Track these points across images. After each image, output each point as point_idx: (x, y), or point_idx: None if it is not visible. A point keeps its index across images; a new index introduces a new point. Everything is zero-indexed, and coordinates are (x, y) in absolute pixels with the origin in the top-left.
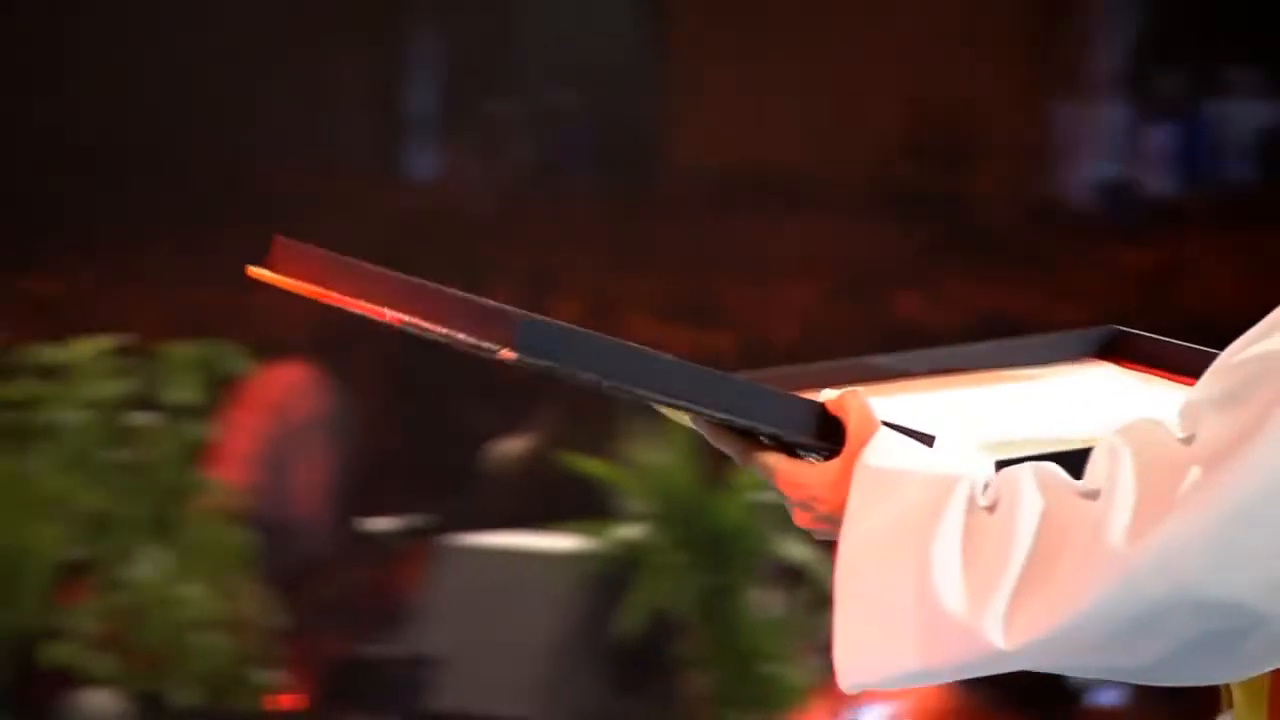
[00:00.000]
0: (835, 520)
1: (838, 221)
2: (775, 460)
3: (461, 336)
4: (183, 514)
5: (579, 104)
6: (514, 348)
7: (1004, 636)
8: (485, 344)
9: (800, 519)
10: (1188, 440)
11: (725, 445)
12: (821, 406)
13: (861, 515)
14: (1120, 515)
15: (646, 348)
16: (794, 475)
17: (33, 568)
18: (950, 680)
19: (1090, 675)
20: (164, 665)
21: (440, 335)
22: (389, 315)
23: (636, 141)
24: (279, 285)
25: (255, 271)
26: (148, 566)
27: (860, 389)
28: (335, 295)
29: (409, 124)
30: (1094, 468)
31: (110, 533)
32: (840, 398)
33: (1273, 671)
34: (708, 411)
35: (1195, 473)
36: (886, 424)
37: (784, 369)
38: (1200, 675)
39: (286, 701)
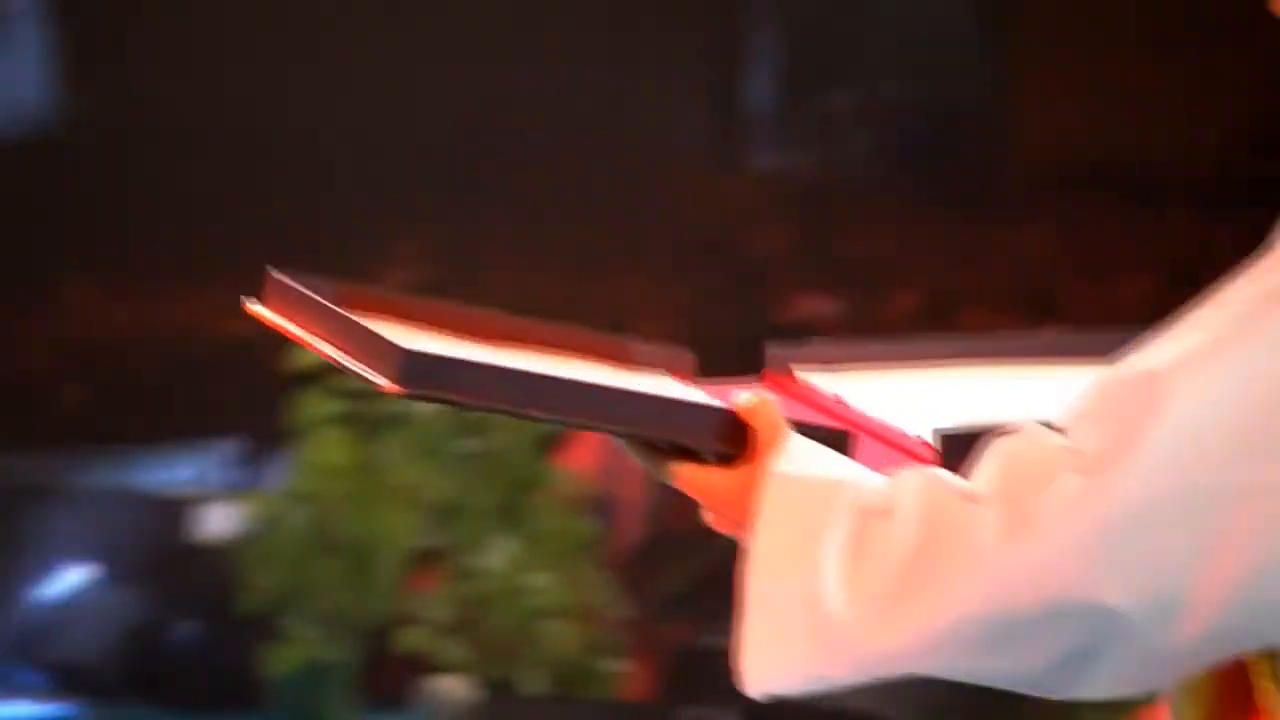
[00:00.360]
0: (746, 527)
1: (1179, 215)
2: (684, 468)
3: (356, 366)
4: (531, 503)
5: (918, 96)
6: (395, 379)
7: (885, 640)
8: (373, 375)
9: (716, 525)
10: (1071, 450)
11: (636, 456)
12: (730, 413)
13: (766, 523)
14: (996, 521)
15: (539, 370)
16: (704, 483)
17: (385, 556)
18: (851, 686)
19: (983, 682)
20: (512, 653)
21: (346, 365)
22: (313, 345)
23: (977, 133)
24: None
25: (253, 309)
26: (497, 555)
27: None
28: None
29: (747, 116)
30: (978, 471)
31: (460, 522)
32: (750, 405)
33: (1211, 677)
34: (607, 428)
35: (1074, 482)
36: (800, 426)
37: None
38: (1084, 687)
39: (632, 691)
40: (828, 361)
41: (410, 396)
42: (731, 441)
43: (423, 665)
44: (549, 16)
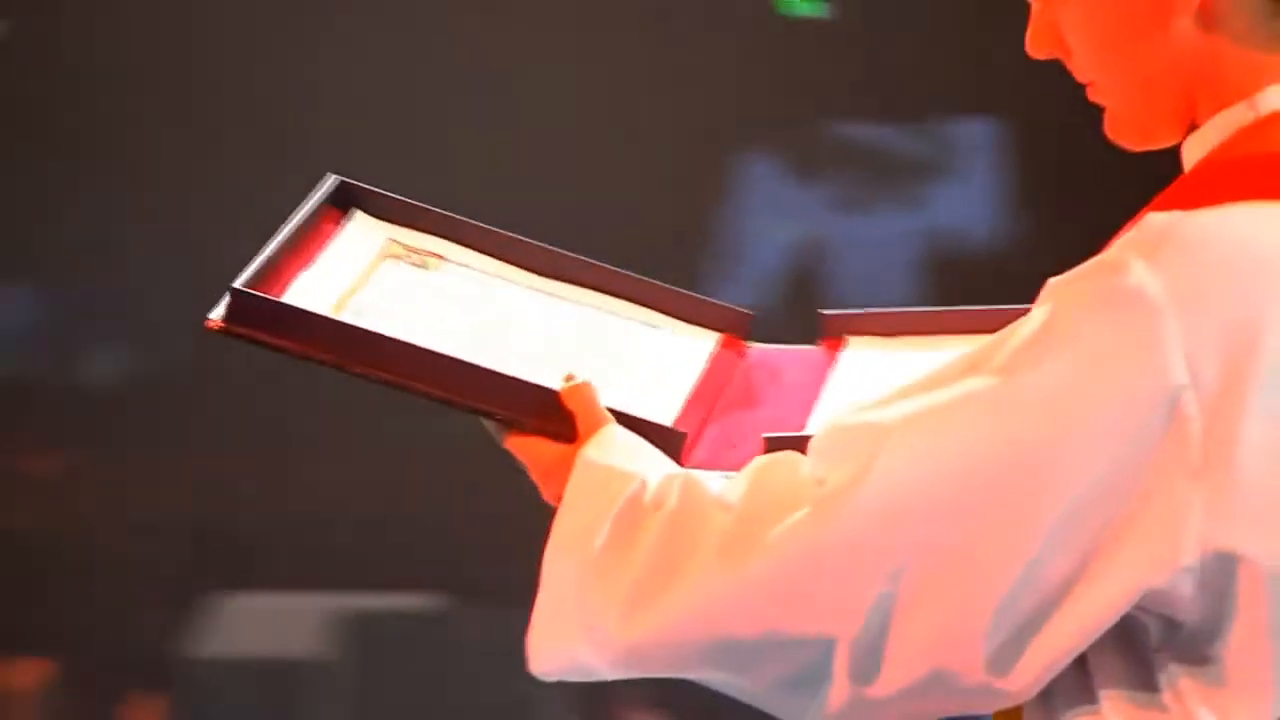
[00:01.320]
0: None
1: None
2: (514, 436)
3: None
4: None
5: None
6: (222, 316)
7: (629, 635)
8: (210, 315)
9: (543, 494)
10: (817, 482)
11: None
12: (551, 393)
13: (566, 507)
14: (726, 535)
15: (378, 330)
16: (529, 452)
17: None
18: (612, 677)
19: (726, 691)
20: None
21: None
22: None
23: None
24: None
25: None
26: None
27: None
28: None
29: None
30: (736, 480)
31: None
32: (571, 388)
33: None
34: (434, 394)
35: (801, 513)
36: (618, 414)
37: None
38: (814, 717)
39: None
40: (884, 331)
41: (231, 334)
42: (551, 420)
43: None
44: None
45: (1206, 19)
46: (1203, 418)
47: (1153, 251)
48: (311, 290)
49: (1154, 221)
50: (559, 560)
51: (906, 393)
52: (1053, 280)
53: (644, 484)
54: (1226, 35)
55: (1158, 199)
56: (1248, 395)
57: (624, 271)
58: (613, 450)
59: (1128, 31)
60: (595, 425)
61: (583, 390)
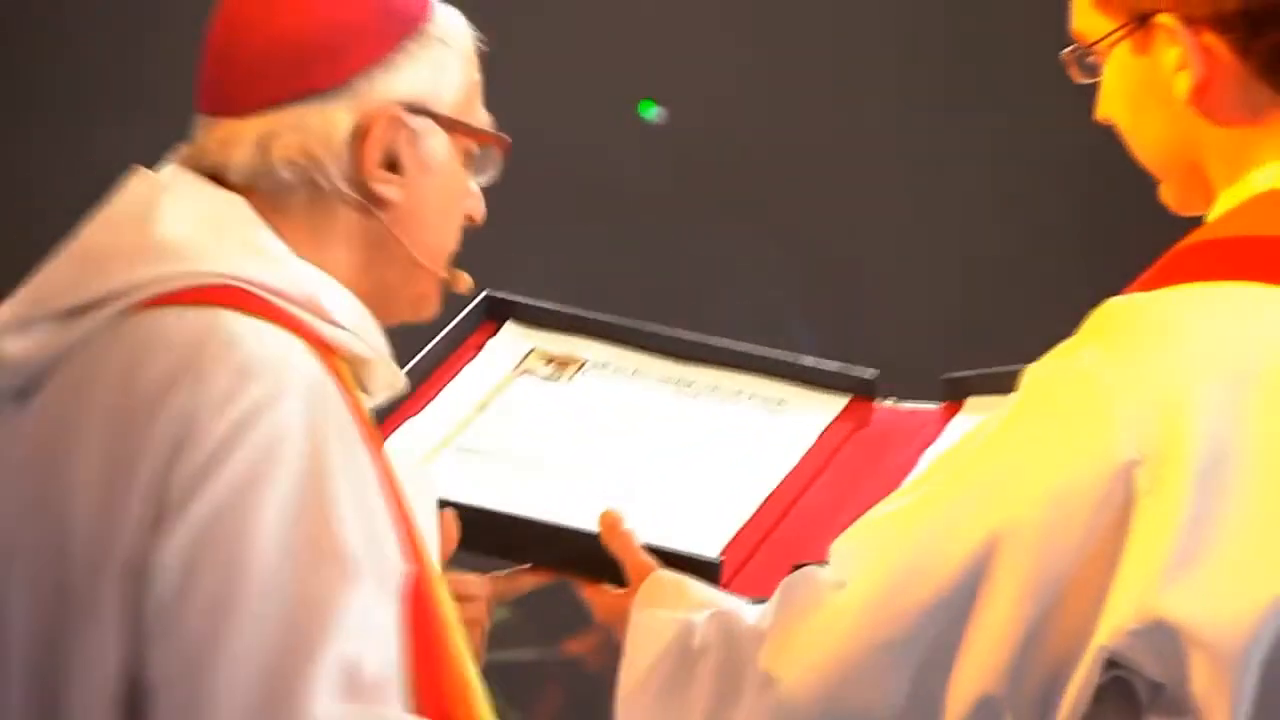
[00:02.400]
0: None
1: None
2: (588, 590)
3: None
4: None
5: None
6: None
7: None
8: None
9: (618, 636)
10: (838, 585)
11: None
12: (596, 542)
13: (626, 658)
14: (768, 663)
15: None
16: (594, 604)
17: None
18: None
19: None
20: None
21: None
22: None
23: None
24: None
25: None
26: None
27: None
28: None
29: None
30: (768, 606)
31: None
32: (609, 534)
33: None
34: (507, 559)
35: (846, 618)
36: (658, 552)
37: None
38: None
39: None
40: (1003, 389)
41: None
42: (599, 566)
43: None
44: None
45: (1199, 102)
46: (1149, 491)
47: (1103, 336)
48: (442, 411)
49: (1109, 305)
50: (625, 710)
51: (916, 483)
52: (1030, 366)
53: (690, 628)
54: (1218, 118)
55: (1137, 279)
56: (1186, 470)
57: (754, 349)
58: (659, 597)
59: (1138, 108)
60: (641, 573)
61: (620, 536)
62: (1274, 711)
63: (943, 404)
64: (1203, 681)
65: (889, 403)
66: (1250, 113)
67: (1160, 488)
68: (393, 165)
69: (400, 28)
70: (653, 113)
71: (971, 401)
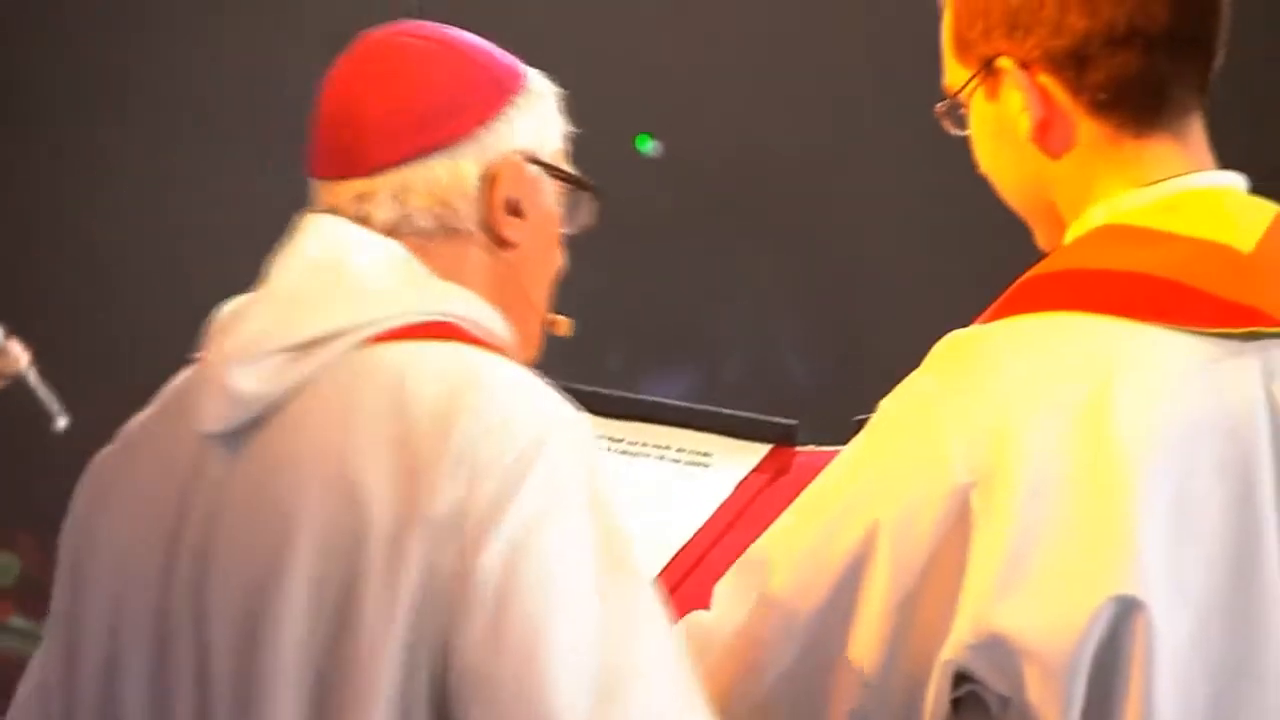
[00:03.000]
0: None
1: None
2: None
3: None
4: None
5: None
6: None
7: None
8: None
9: None
10: (716, 625)
11: None
12: None
13: None
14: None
15: None
16: None
17: None
18: None
19: None
20: None
21: None
22: None
23: None
24: None
25: None
26: None
27: None
28: None
29: None
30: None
31: None
32: None
33: None
34: None
35: (724, 657)
36: None
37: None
38: None
39: None
40: None
41: None
42: None
43: None
44: None
45: (1040, 141)
46: (983, 511)
47: (941, 366)
48: None
49: (951, 337)
50: None
51: (781, 519)
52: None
53: None
54: (1059, 155)
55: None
56: (1014, 492)
57: (679, 404)
58: None
59: (996, 153)
60: None
61: None
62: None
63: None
64: (1036, 691)
65: (810, 448)
66: (1087, 149)
67: (992, 509)
68: (515, 210)
69: (509, 84)
70: (649, 146)
71: None
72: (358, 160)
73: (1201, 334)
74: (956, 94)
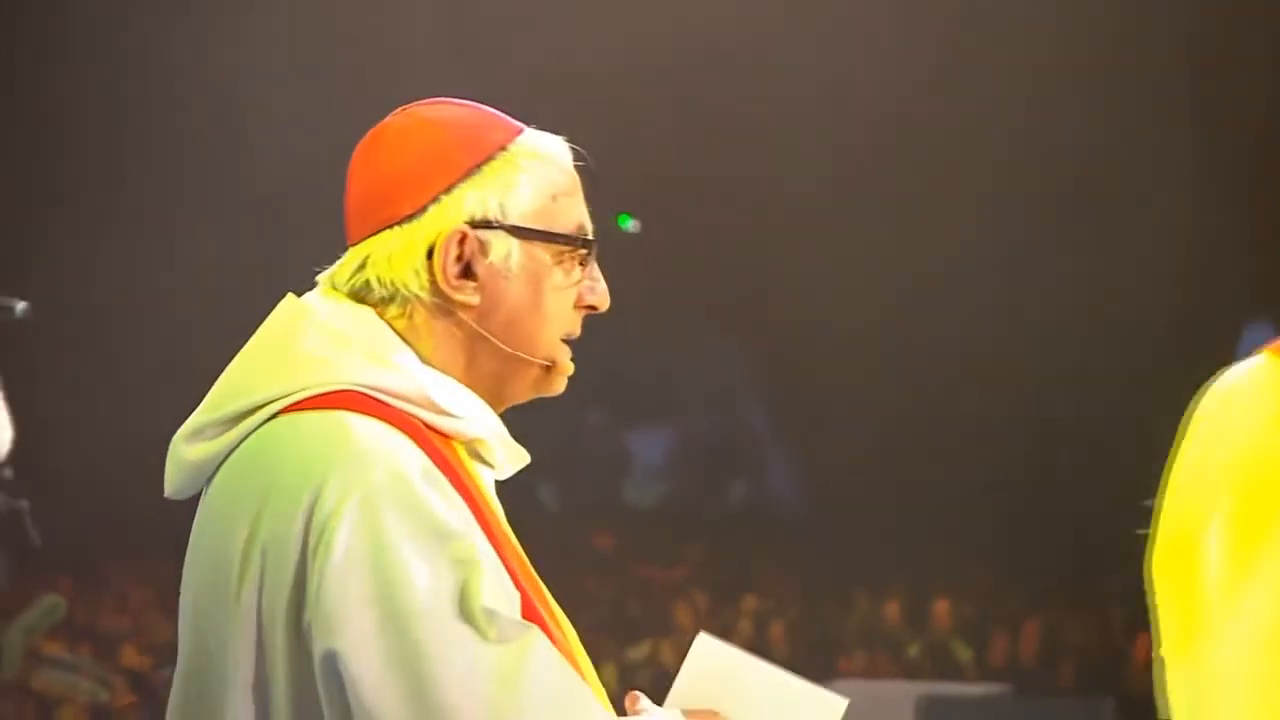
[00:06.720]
0: None
1: None
2: None
3: None
4: None
5: None
6: None
7: None
8: None
9: None
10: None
11: None
12: None
13: None
14: None
15: None
16: None
17: None
18: None
19: None
20: None
21: None
22: None
23: None
24: None
25: None
26: None
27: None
28: None
29: None
30: None
31: None
32: None
33: None
34: None
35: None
36: None
37: None
38: None
39: None
40: None
41: None
42: None
43: None
44: None
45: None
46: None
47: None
48: None
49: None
50: None
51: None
52: None
53: None
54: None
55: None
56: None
57: None
58: None
59: None
60: None
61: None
62: None
63: None
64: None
65: None
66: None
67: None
68: (468, 274)
69: (472, 156)
70: (629, 224)
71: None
72: (351, 231)
73: None
74: None
